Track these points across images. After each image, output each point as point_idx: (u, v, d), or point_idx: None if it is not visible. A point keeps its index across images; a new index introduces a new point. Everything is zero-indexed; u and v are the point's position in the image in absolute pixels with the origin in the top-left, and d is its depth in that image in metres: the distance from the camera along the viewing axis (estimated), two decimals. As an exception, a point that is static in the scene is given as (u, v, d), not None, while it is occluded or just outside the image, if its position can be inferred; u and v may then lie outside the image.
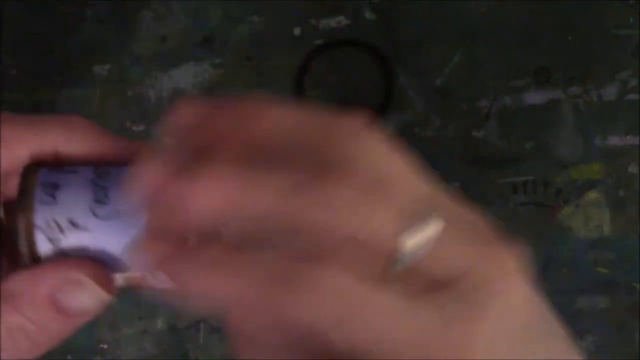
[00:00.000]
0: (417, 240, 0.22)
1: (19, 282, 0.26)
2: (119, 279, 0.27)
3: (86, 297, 0.26)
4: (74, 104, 0.60)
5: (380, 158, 0.22)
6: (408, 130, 0.58)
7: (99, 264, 0.26)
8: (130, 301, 0.58)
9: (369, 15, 0.60)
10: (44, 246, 0.25)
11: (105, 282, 0.26)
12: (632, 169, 0.57)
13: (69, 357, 0.58)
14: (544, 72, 0.58)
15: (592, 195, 0.57)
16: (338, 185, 0.22)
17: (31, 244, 0.25)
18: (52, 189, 0.26)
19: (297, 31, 0.60)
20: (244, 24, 0.60)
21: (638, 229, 0.55)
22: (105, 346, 0.58)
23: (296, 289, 0.22)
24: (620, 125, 0.58)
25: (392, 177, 0.22)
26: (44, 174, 0.26)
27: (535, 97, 0.58)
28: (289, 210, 0.22)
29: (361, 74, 0.59)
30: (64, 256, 0.26)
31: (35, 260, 0.26)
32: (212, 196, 0.22)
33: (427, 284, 0.23)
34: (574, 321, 0.54)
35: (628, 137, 0.58)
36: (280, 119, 0.23)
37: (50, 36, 0.61)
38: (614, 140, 0.58)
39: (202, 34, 0.60)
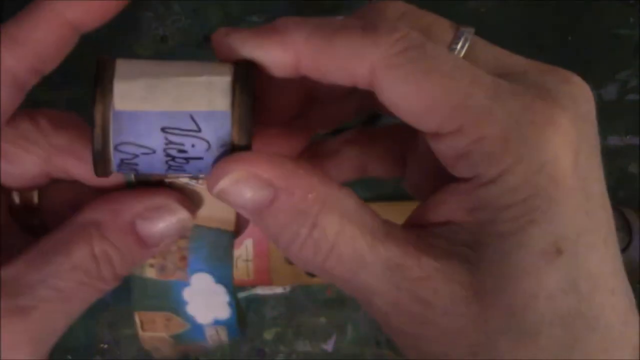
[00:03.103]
0: (469, 35, 0.24)
1: (103, 209, 0.25)
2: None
3: (168, 222, 0.26)
4: (74, 104, 0.60)
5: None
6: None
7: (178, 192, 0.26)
8: (130, 301, 0.58)
9: (369, 15, 0.60)
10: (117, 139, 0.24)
11: (187, 204, 0.26)
12: (632, 169, 0.57)
13: (69, 357, 0.58)
14: (544, 72, 0.58)
15: (592, 195, 0.57)
16: (392, 3, 0.25)
17: (106, 132, 0.24)
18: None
19: (297, 31, 0.60)
20: (244, 24, 0.60)
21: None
22: (106, 346, 0.58)
23: (372, 32, 0.23)
24: (620, 125, 0.58)
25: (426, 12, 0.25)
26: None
27: (535, 97, 0.58)
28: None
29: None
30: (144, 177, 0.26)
31: (107, 158, 0.24)
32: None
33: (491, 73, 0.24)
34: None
35: (628, 137, 0.58)
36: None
37: (50, 36, 0.61)
38: (614, 140, 0.58)
39: (202, 34, 0.60)
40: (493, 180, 0.22)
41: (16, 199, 0.28)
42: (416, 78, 0.22)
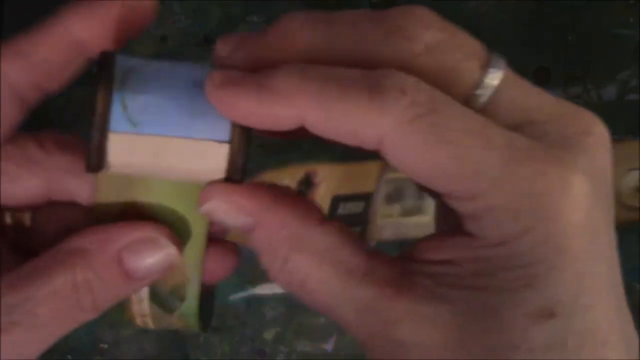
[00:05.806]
0: (496, 80, 0.24)
1: (91, 237, 0.25)
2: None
3: (156, 257, 0.25)
4: (74, 104, 0.60)
5: (441, 20, 0.24)
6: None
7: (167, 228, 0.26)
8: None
9: (369, 15, 0.60)
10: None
11: (175, 239, 0.26)
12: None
13: (69, 357, 0.58)
14: (544, 72, 0.58)
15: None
16: (419, 30, 0.23)
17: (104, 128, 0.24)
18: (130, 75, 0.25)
19: (297, 31, 0.60)
20: (244, 24, 0.60)
21: (638, 229, 0.55)
22: (106, 346, 0.58)
23: (377, 87, 0.22)
24: (620, 125, 0.58)
25: (458, 31, 0.24)
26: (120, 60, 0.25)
27: (535, 97, 0.58)
28: (374, 44, 0.23)
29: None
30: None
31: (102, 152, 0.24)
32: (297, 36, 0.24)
33: (512, 122, 0.23)
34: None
35: (628, 137, 0.57)
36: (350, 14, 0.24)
37: (50, 36, 0.61)
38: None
39: (202, 34, 0.60)
40: (498, 244, 0.22)
41: (8, 219, 0.28)
42: (426, 148, 0.22)
